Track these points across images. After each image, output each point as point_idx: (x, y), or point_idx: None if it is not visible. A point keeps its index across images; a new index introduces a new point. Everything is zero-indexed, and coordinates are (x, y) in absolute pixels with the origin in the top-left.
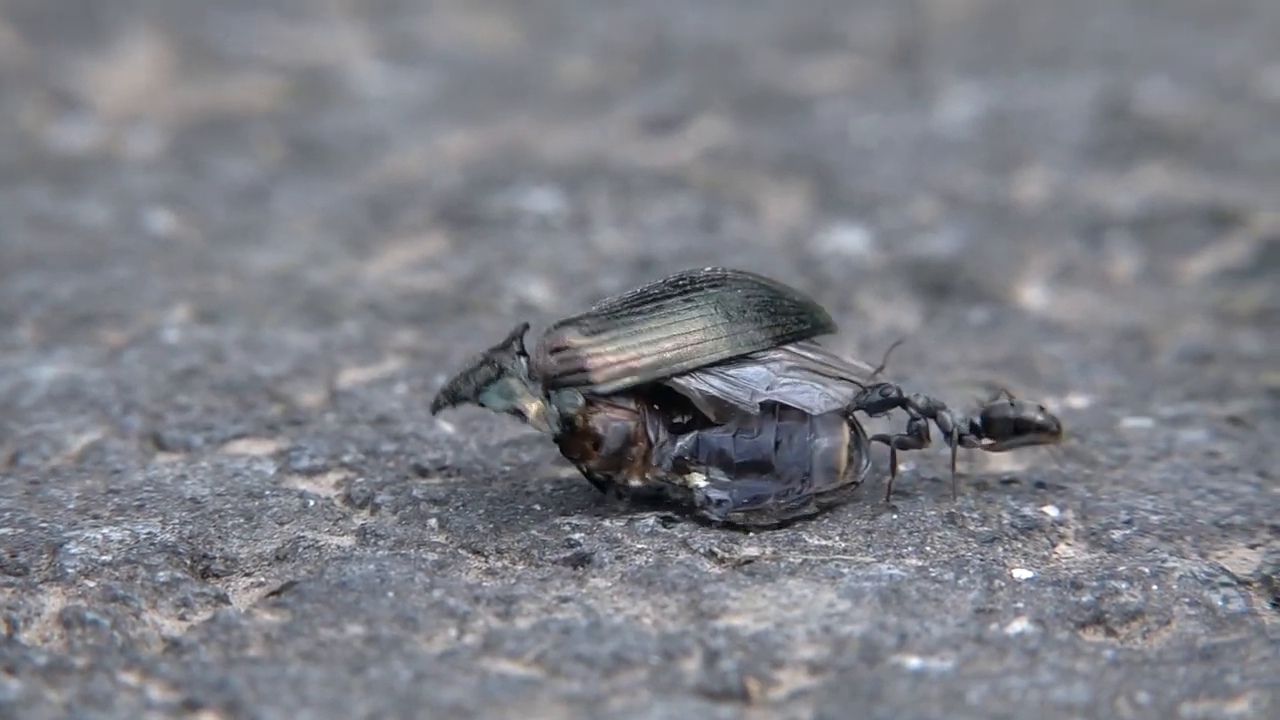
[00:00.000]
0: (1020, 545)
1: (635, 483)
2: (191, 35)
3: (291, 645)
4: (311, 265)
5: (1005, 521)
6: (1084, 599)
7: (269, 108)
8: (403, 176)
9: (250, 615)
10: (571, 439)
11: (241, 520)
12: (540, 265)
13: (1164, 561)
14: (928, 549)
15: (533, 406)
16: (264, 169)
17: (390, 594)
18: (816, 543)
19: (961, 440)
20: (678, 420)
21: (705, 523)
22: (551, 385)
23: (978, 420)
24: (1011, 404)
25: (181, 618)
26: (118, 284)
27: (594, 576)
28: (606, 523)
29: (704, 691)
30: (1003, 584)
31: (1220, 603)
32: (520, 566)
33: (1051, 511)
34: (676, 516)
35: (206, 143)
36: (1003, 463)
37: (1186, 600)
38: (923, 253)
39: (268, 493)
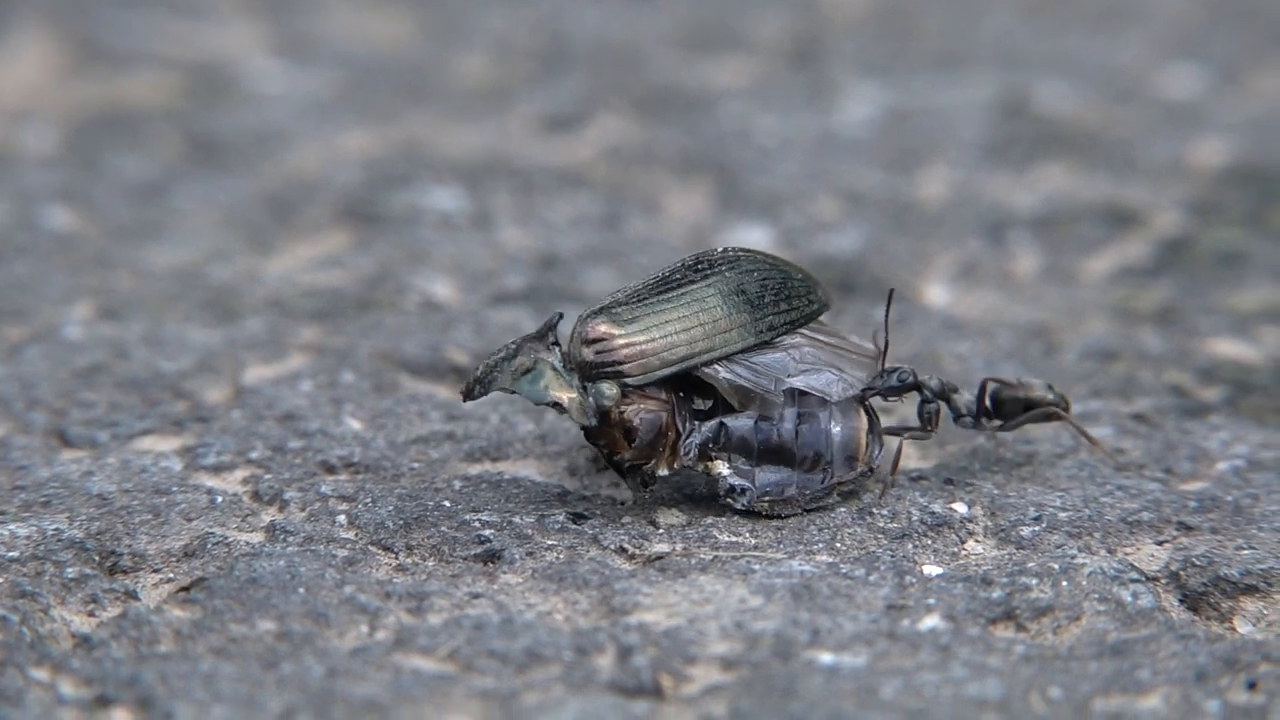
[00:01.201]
0: (930, 542)
1: (663, 472)
2: (83, 32)
3: (203, 641)
4: (213, 262)
5: (915, 518)
6: (994, 595)
7: (165, 105)
8: (302, 174)
9: (160, 611)
10: (603, 429)
11: (149, 516)
12: (444, 263)
13: (1073, 558)
14: (838, 545)
15: (569, 398)
16: (162, 166)
17: (301, 590)
18: (727, 539)
19: (974, 422)
20: (699, 406)
21: (617, 521)
22: (587, 376)
23: (988, 402)
24: (1020, 383)
25: (91, 614)
26: (16, 281)
27: (505, 573)
28: (517, 519)
29: (618, 687)
30: (913, 580)
31: (1130, 599)
32: (431, 563)
33: (960, 508)
34: (586, 513)
35: (102, 139)
36: (910, 459)
37: (1096, 596)
38: (827, 250)
39: (175, 489)
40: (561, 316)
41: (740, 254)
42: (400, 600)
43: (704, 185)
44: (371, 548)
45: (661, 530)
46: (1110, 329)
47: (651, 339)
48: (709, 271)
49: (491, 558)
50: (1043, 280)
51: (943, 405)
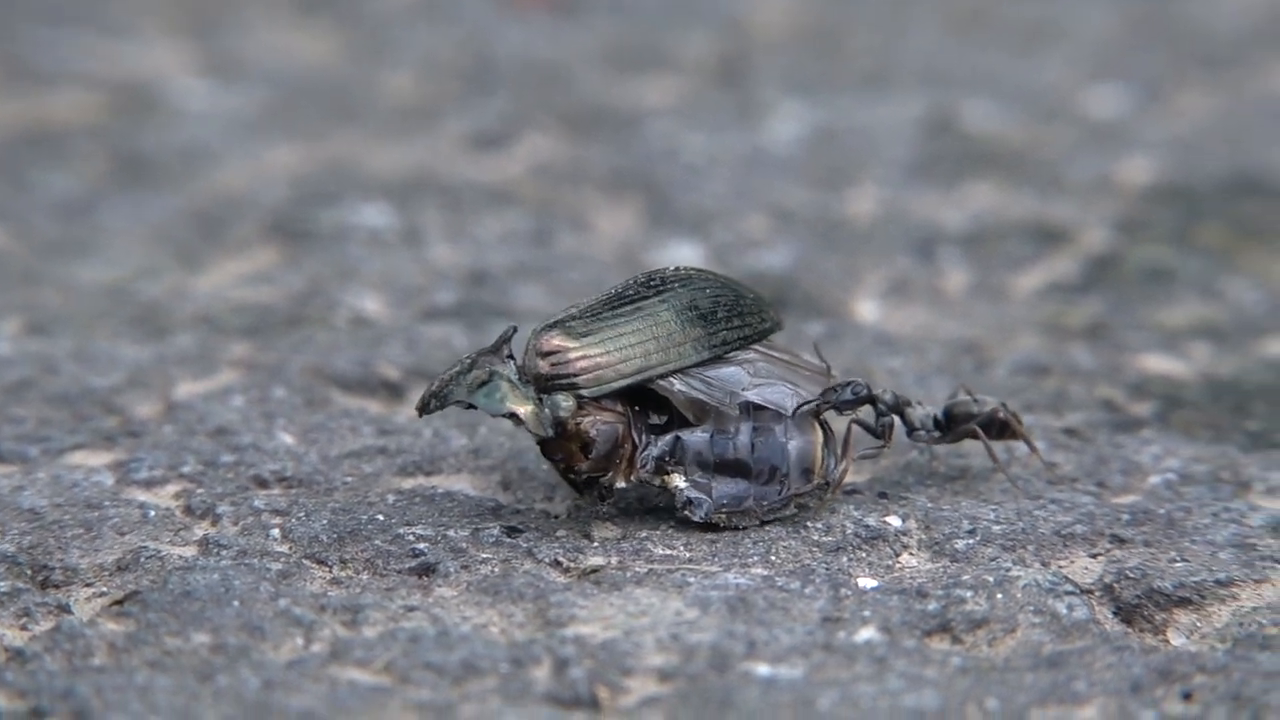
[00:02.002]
0: (864, 555)
1: (620, 484)
2: (9, 50)
3: (137, 654)
4: (141, 278)
5: (849, 531)
6: (930, 607)
7: (90, 123)
8: (230, 191)
9: (94, 624)
10: (559, 442)
11: (81, 531)
12: (373, 279)
13: (1008, 570)
14: (773, 558)
15: (526, 409)
16: (88, 184)
17: (235, 603)
18: (661, 552)
19: (926, 436)
20: (654, 421)
21: (551, 535)
22: (542, 388)
23: (940, 416)
24: (974, 400)
25: (24, 627)
26: None
27: (440, 586)
28: (451, 533)
29: (554, 699)
30: (849, 593)
31: (1065, 611)
32: (365, 576)
33: (894, 521)
34: (521, 527)
35: (27, 157)
36: (846, 473)
37: (1031, 609)
38: (758, 267)
39: (107, 503)
40: (515, 330)
41: (693, 272)
42: (335, 613)
43: (633, 203)
44: (305, 561)
45: (596, 544)
46: (1040, 344)
47: (606, 351)
48: (662, 288)
49: (426, 571)
50: (973, 296)
51: (896, 419)
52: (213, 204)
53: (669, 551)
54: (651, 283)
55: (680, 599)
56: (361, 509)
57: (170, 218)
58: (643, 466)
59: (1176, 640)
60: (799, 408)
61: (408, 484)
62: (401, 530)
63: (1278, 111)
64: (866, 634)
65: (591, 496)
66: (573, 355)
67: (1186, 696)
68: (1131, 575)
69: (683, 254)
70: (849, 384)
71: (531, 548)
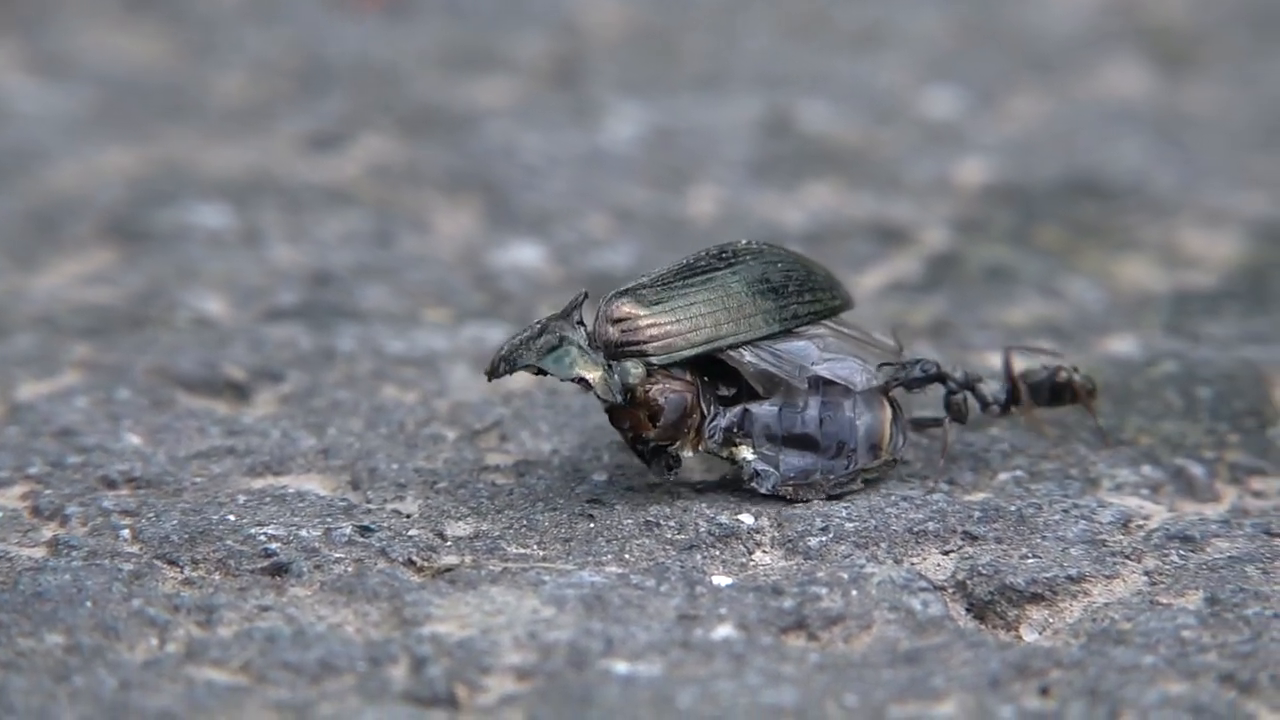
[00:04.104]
0: (718, 553)
1: (687, 454)
2: None
3: None
4: None
5: (702, 529)
6: (785, 604)
7: None
8: (63, 192)
9: None
10: (627, 410)
11: None
12: (215, 280)
13: (862, 568)
14: (627, 556)
15: (595, 375)
16: None
17: (88, 604)
18: (516, 551)
19: (1001, 410)
20: (723, 393)
21: (404, 534)
22: (611, 354)
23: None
24: (1044, 368)
25: None
26: None
27: (293, 585)
28: (303, 533)
29: (413, 697)
30: (704, 590)
31: (919, 607)
32: (217, 576)
33: (747, 519)
34: (373, 526)
35: None
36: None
37: (886, 605)
38: (600, 266)
39: None
40: (586, 296)
41: (765, 246)
42: (189, 613)
43: (473, 203)
44: (157, 561)
45: (449, 542)
46: None
47: (676, 320)
48: (734, 260)
49: (279, 571)
50: None
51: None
52: (47, 204)
53: (523, 550)
54: (724, 254)
55: (536, 597)
56: (212, 509)
57: (3, 218)
58: (710, 437)
59: (1029, 636)
60: (869, 383)
61: (257, 484)
62: (253, 530)
63: (1109, 114)
64: (723, 631)
65: (658, 466)
66: (643, 323)
67: (1044, 691)
68: (984, 572)
69: (525, 254)
70: (918, 362)
71: (384, 547)
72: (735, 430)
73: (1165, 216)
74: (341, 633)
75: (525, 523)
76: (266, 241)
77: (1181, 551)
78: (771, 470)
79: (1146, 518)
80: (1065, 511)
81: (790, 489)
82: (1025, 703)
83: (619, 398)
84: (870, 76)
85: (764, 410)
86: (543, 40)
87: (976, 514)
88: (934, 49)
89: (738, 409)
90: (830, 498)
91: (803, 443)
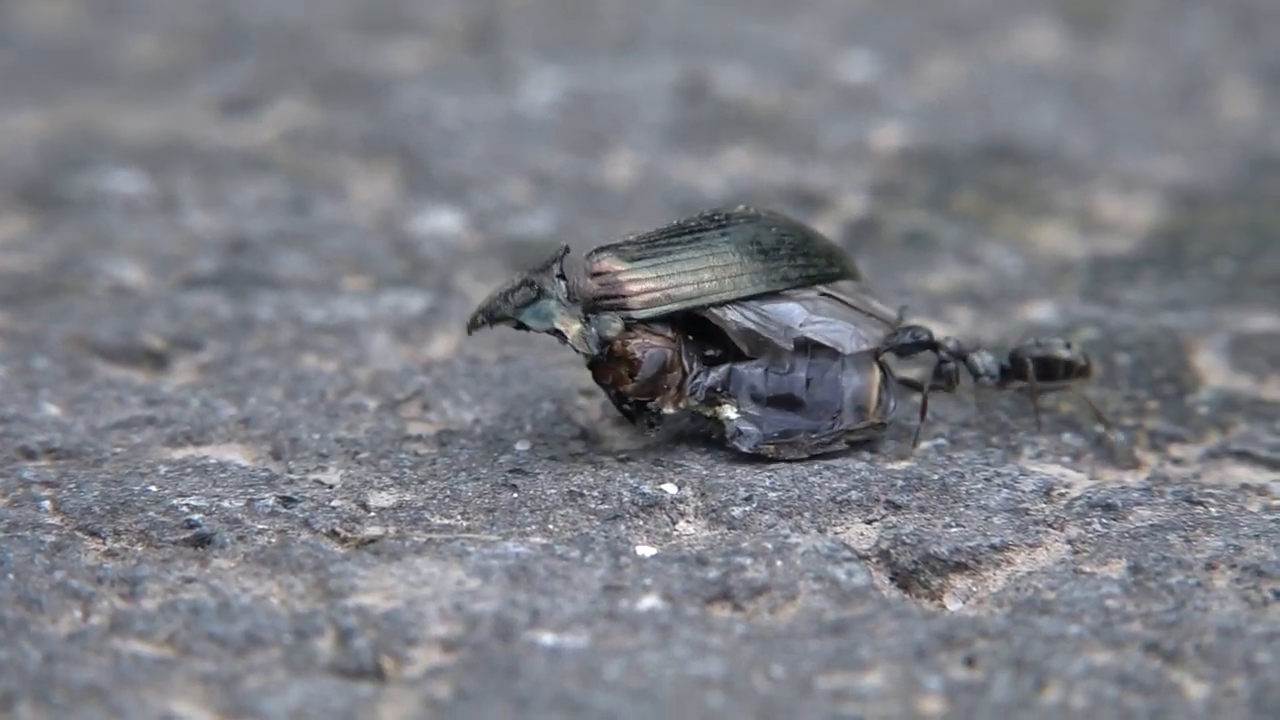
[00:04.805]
0: (642, 523)
1: (669, 411)
2: None
3: None
4: None
5: (626, 499)
6: (710, 575)
7: None
8: None
9: None
10: (607, 364)
11: None
12: (131, 247)
13: (786, 537)
14: (551, 527)
15: (573, 328)
16: None
17: (10, 576)
18: (439, 522)
19: (991, 383)
20: (710, 353)
21: (327, 505)
22: (591, 308)
23: (1006, 363)
24: (1038, 344)
25: None
26: None
27: (216, 557)
28: (225, 504)
29: (339, 669)
30: (629, 560)
31: (844, 577)
32: (140, 548)
33: (670, 489)
34: (295, 497)
35: None
36: (617, 440)
37: (811, 575)
38: (520, 233)
39: None
40: (568, 250)
41: (763, 212)
42: (113, 585)
43: (389, 168)
44: (79, 533)
45: (373, 513)
46: None
47: (659, 275)
48: (725, 223)
49: (202, 542)
50: None
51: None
52: None
53: (447, 521)
54: (716, 217)
55: (461, 568)
56: (133, 480)
57: None
58: (693, 395)
59: (953, 605)
60: (858, 346)
61: (178, 454)
62: (175, 501)
63: (1024, 78)
64: (649, 602)
65: (641, 423)
66: (623, 277)
67: (969, 662)
68: (907, 541)
69: (444, 221)
70: (910, 328)
71: (308, 518)
72: (720, 389)
73: (1081, 181)
74: (266, 605)
75: (449, 493)
76: (182, 208)
77: (1104, 520)
78: (754, 430)
79: (1068, 486)
80: (988, 480)
81: (772, 447)
82: (952, 673)
83: (595, 350)
84: (785, 40)
85: (750, 370)
86: (457, 3)
87: (899, 483)
88: (848, 12)
89: (723, 368)
90: (812, 457)
91: (788, 403)
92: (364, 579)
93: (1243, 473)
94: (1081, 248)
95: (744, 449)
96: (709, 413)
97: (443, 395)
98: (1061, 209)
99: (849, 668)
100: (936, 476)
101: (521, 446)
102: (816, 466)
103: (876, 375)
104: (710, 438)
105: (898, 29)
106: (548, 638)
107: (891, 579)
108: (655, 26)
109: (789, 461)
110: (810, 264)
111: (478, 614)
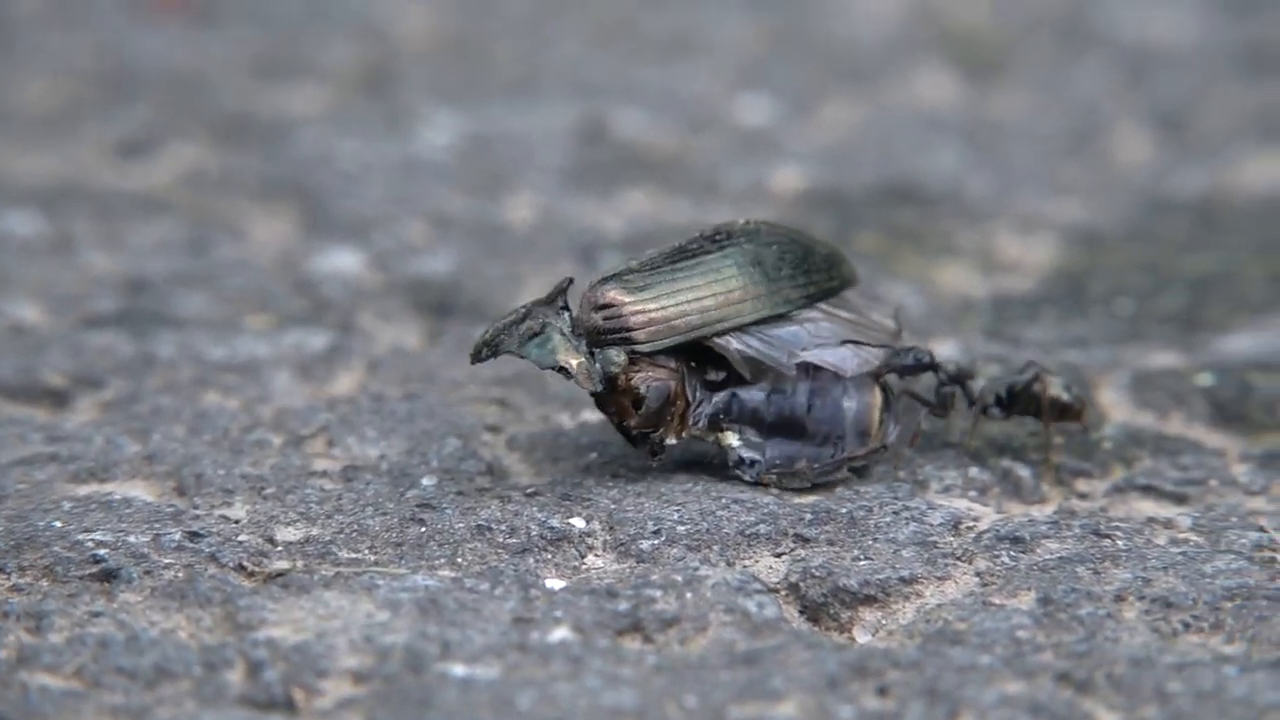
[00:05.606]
0: (550, 556)
1: (671, 441)
2: None
3: None
4: None
5: (534, 533)
6: (620, 607)
7: None
8: None
9: None
10: (611, 396)
11: None
12: (28, 287)
13: (696, 570)
14: (459, 560)
15: (576, 363)
16: None
17: None
18: (347, 555)
19: (985, 411)
20: (711, 378)
21: (233, 539)
22: (595, 342)
23: (1003, 393)
24: (1037, 379)
25: None
26: None
27: (123, 591)
28: (131, 539)
29: (250, 701)
30: (538, 593)
31: (755, 609)
32: (45, 583)
33: (579, 523)
34: (202, 532)
35: None
36: (524, 475)
37: (721, 607)
38: (421, 273)
39: None
40: (572, 281)
41: (761, 226)
42: (19, 619)
43: (288, 210)
44: None
45: (280, 547)
46: None
47: (663, 306)
48: (726, 243)
49: (108, 576)
50: None
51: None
52: None
53: (354, 554)
54: (717, 237)
55: (370, 601)
56: (37, 516)
57: None
58: (696, 423)
59: (862, 638)
60: (859, 369)
61: (82, 490)
62: (80, 536)
63: (922, 122)
64: (560, 634)
65: (644, 451)
66: (627, 310)
67: (882, 692)
68: (816, 574)
69: (344, 261)
70: (911, 349)
71: (215, 552)
72: (722, 416)
73: (981, 222)
74: (175, 638)
75: (356, 527)
76: (80, 249)
77: (1012, 553)
78: (757, 458)
79: (976, 519)
80: (896, 514)
81: (775, 476)
82: (864, 703)
83: (600, 386)
84: (682, 84)
85: (752, 396)
86: (351, 47)
87: (808, 516)
88: (744, 57)
89: (725, 394)
90: (815, 486)
91: (791, 428)
92: (273, 612)
93: (1148, 506)
94: (983, 287)
95: (747, 478)
96: (711, 439)
97: (348, 431)
98: (962, 249)
99: (762, 697)
100: (844, 510)
101: (428, 481)
102: (724, 500)
103: (878, 397)
104: (710, 462)
105: (794, 75)
106: (459, 669)
107: (801, 611)
108: (551, 70)
109: (793, 491)
110: (810, 281)
111: (388, 646)
